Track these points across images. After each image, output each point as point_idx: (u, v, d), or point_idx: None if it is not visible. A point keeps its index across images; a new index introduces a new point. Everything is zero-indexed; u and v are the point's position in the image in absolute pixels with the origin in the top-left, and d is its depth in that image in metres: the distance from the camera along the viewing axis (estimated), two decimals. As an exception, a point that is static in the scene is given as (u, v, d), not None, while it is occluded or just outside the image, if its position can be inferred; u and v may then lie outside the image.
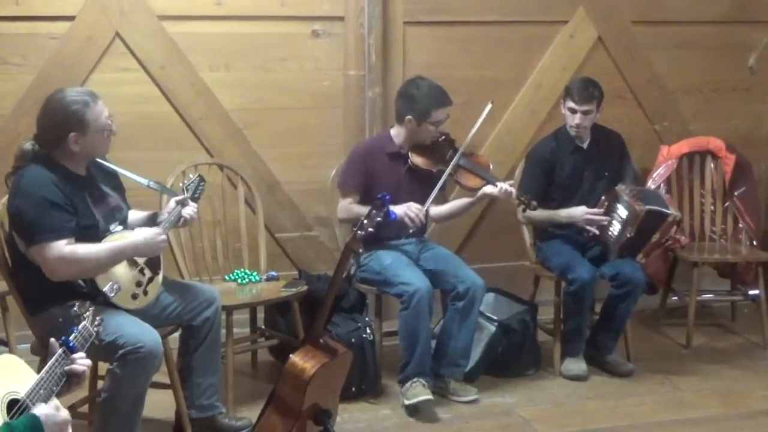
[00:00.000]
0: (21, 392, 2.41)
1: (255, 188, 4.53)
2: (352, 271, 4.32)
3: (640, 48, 5.39)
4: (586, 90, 4.48)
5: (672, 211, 4.42)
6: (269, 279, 4.36)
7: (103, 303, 3.26)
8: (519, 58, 5.20)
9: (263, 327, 4.56)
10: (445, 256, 4.37)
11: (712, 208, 5.28)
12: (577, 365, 4.51)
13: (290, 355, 3.50)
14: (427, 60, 4.98)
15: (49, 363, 2.49)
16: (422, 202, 4.19)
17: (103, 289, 3.24)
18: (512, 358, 4.51)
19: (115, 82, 4.56)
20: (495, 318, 4.51)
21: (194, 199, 3.65)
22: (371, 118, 4.93)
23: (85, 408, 3.70)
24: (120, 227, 3.45)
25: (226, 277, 4.35)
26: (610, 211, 4.43)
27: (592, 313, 4.68)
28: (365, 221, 3.56)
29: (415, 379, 4.07)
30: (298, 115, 4.90)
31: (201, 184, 3.71)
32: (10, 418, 2.36)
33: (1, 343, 4.28)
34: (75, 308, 2.67)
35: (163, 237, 3.42)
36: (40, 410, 2.35)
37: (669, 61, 5.45)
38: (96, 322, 2.66)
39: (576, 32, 5.26)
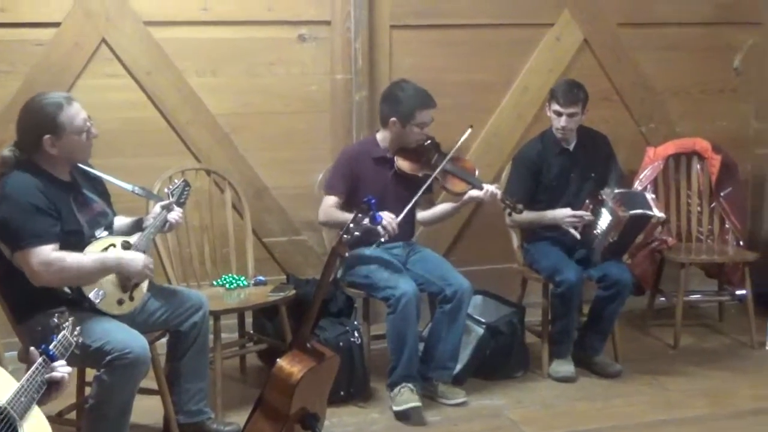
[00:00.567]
0: (2, 400, 2.42)
1: (242, 193, 4.54)
2: (339, 275, 4.32)
3: (626, 50, 5.41)
4: (571, 92, 4.49)
5: (656, 212, 4.43)
6: (257, 284, 4.37)
7: (89, 309, 3.27)
8: (505, 61, 5.21)
9: (251, 332, 4.57)
10: (433, 259, 4.38)
11: (699, 208, 5.30)
12: (565, 367, 4.52)
13: (277, 360, 3.50)
14: (413, 63, 4.99)
15: (30, 371, 2.50)
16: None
17: (89, 296, 3.25)
18: (500, 360, 4.52)
19: (101, 88, 4.56)
20: (483, 320, 4.52)
21: (180, 204, 3.66)
22: (358, 121, 4.94)
23: (72, 415, 3.71)
24: (105, 233, 3.46)
25: (214, 282, 4.35)
26: (593, 215, 4.45)
27: (580, 315, 4.70)
28: (351, 225, 3.57)
29: (403, 384, 4.07)
30: (285, 119, 4.90)
31: (186, 188, 3.72)
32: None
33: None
34: (54, 318, 2.68)
35: (151, 267, 3.42)
36: None
37: (655, 62, 5.47)
38: (76, 332, 2.67)
39: (562, 35, 5.27)
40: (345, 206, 4.23)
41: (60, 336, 2.62)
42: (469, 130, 4.30)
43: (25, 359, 3.27)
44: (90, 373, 3.42)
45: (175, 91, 4.71)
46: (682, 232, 5.29)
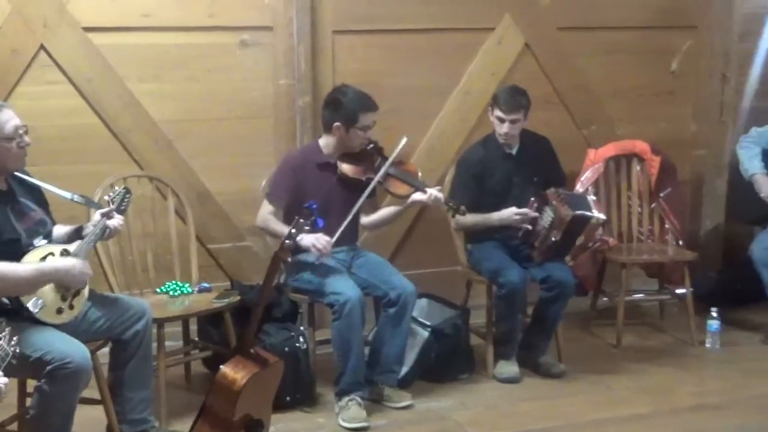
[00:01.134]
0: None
1: (185, 200, 4.51)
2: (282, 280, 4.32)
3: (566, 54, 5.48)
4: (514, 99, 4.54)
5: (596, 214, 4.49)
6: (201, 290, 4.34)
7: (29, 319, 3.23)
8: (448, 65, 5.25)
9: (196, 339, 4.54)
10: (377, 262, 4.39)
11: (639, 209, 5.38)
12: (509, 368, 4.56)
13: (220, 367, 3.49)
14: (356, 68, 5.00)
15: None
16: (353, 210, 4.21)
17: (27, 305, 3.21)
18: (446, 362, 4.55)
19: (41, 95, 4.51)
20: (428, 323, 4.55)
21: (120, 211, 3.63)
22: (302, 127, 4.93)
23: (14, 426, 3.64)
24: (44, 241, 3.42)
25: (158, 290, 4.32)
26: (538, 213, 4.50)
27: (524, 316, 4.74)
28: (293, 230, 3.57)
29: (351, 397, 4.08)
30: (228, 125, 4.88)
31: (127, 196, 3.69)
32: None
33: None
34: None
35: (89, 273, 3.39)
36: None
37: (595, 66, 5.54)
38: (13, 342, 2.64)
39: (503, 39, 5.32)
40: (286, 215, 4.24)
41: None
42: (405, 140, 4.31)
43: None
44: (31, 384, 3.38)
45: (116, 98, 4.67)
46: (623, 232, 5.36)
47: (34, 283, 3.27)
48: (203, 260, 4.70)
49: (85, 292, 3.51)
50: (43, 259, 3.34)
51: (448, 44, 5.23)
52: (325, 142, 4.37)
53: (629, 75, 5.63)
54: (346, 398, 4.09)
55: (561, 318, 4.64)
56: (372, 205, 4.45)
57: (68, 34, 4.53)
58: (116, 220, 3.57)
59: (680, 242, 5.33)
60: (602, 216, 4.54)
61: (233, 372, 3.45)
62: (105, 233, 3.56)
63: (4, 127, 3.30)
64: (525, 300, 4.61)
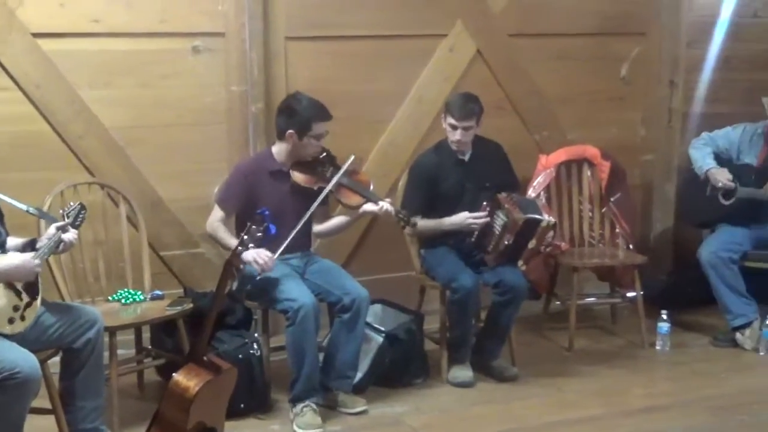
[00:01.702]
0: None
1: (138, 207, 4.47)
2: (235, 287, 4.31)
3: (518, 60, 5.53)
4: (466, 107, 4.57)
5: (546, 217, 4.53)
6: (154, 298, 4.32)
7: (-22, 329, 3.20)
8: (400, 71, 5.27)
9: (149, 347, 4.51)
10: (331, 268, 4.40)
11: (590, 214, 5.45)
12: (463, 372, 4.59)
13: (173, 374, 3.48)
14: (309, 75, 5.00)
15: None
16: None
17: (-24, 315, 3.17)
18: (400, 368, 4.56)
19: (-12, 101, 4.47)
20: (382, 329, 4.56)
21: (75, 226, 3.59)
22: (255, 133, 4.92)
23: (-38, 437, 3.60)
24: (-3, 252, 3.39)
25: (110, 298, 4.29)
26: (490, 216, 4.53)
27: (477, 321, 4.78)
28: (245, 237, 3.57)
29: (306, 403, 4.08)
30: (180, 131, 4.85)
31: (82, 212, 3.65)
32: None
33: None
34: None
35: (37, 262, 3.36)
36: None
37: (546, 72, 5.60)
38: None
39: (455, 45, 5.36)
40: (238, 222, 4.24)
41: None
42: (353, 157, 4.33)
43: None
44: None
45: (66, 105, 4.62)
46: (575, 237, 5.43)
47: None
48: (156, 267, 4.66)
49: (38, 303, 3.47)
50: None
51: (400, 51, 5.25)
52: (278, 149, 4.37)
53: (580, 81, 5.70)
54: (301, 404, 4.09)
55: (514, 322, 4.68)
56: (324, 214, 4.46)
57: (17, 40, 4.48)
58: (71, 234, 3.54)
59: (631, 246, 5.40)
60: (552, 219, 4.58)
61: (186, 379, 3.44)
62: (59, 247, 3.52)
63: None
64: (478, 304, 4.65)
